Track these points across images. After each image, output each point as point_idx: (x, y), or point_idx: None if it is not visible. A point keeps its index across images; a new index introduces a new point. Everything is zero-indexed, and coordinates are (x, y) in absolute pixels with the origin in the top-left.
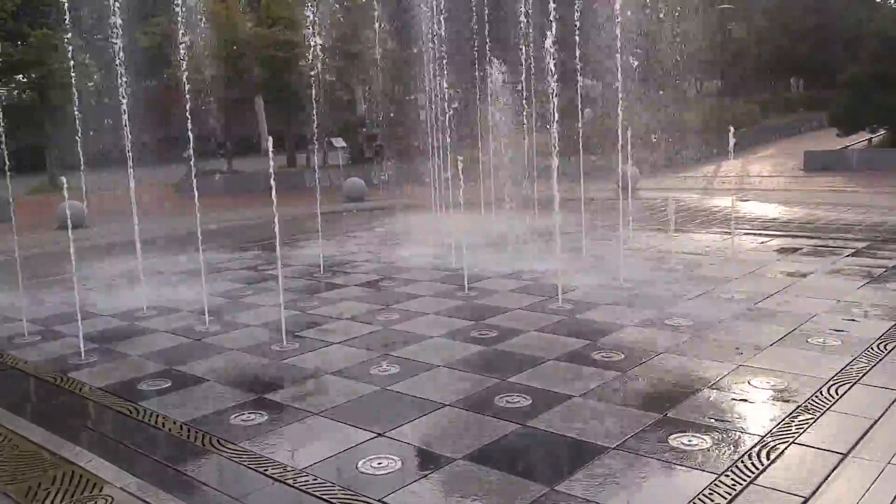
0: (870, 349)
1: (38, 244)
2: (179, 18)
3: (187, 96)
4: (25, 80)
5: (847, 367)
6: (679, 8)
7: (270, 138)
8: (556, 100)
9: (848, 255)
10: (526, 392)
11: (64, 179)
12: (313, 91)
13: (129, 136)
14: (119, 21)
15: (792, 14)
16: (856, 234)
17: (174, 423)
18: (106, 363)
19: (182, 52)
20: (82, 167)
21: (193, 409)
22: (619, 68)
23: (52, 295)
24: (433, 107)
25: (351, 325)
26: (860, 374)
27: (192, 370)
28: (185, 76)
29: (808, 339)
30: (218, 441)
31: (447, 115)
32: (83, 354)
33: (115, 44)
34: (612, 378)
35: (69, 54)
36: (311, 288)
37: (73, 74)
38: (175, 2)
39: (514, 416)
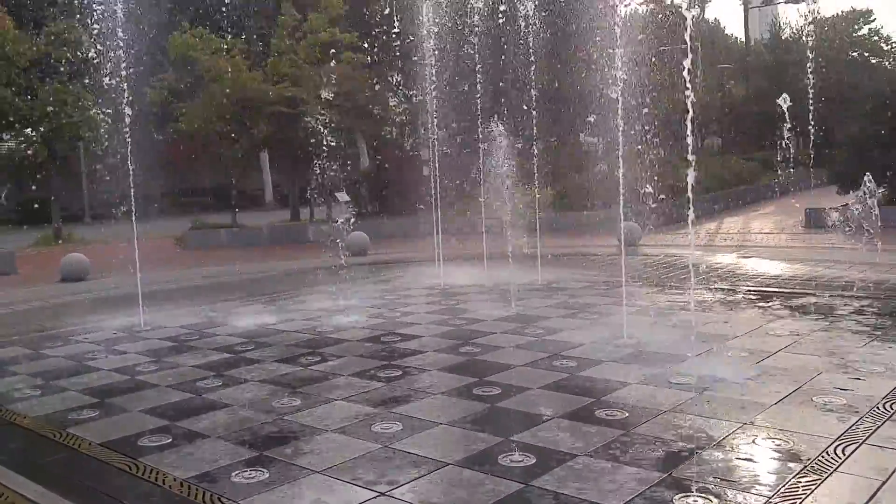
0: (875, 408)
1: (40, 297)
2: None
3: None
4: (34, 133)
5: (853, 427)
6: (680, 66)
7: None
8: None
9: (851, 313)
10: (529, 450)
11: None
12: (318, 146)
13: (134, 189)
14: (127, 75)
15: (790, 74)
16: (858, 291)
17: (174, 479)
18: (105, 418)
19: (188, 106)
20: (87, 220)
21: (194, 466)
22: (621, 125)
23: (53, 348)
24: (436, 162)
25: (352, 381)
26: (867, 434)
27: (193, 426)
28: (190, 131)
29: (813, 398)
30: (218, 498)
31: (449, 170)
32: (83, 409)
33: (123, 98)
34: (616, 437)
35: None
36: (313, 343)
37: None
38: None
39: (517, 476)
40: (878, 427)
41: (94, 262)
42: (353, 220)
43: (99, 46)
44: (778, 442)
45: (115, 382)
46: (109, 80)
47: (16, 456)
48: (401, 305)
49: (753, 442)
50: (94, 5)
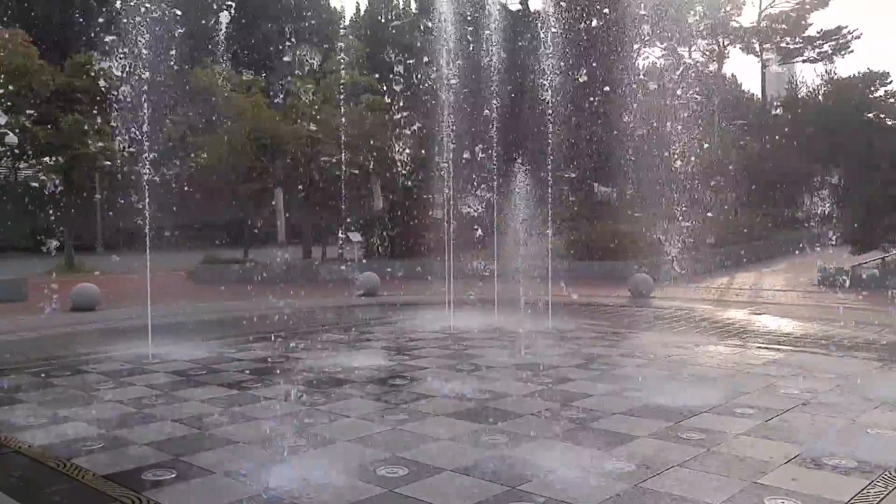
0: (887, 473)
1: (50, 325)
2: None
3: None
4: (52, 162)
5: (864, 491)
6: (696, 122)
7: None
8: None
9: (863, 374)
10: (537, 501)
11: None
12: (332, 186)
13: (149, 222)
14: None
15: (805, 133)
16: (870, 352)
17: None
18: (110, 450)
19: (206, 141)
20: (99, 249)
21: (197, 502)
22: (636, 178)
23: (61, 377)
24: (450, 205)
25: (358, 424)
26: (878, 499)
27: (198, 461)
28: (207, 165)
29: (823, 459)
30: None
31: (463, 214)
32: (87, 440)
33: (142, 131)
34: (625, 490)
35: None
36: (320, 383)
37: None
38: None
39: None
40: (890, 492)
41: (105, 293)
42: (362, 259)
43: (118, 74)
44: (787, 503)
45: (120, 414)
46: (130, 112)
47: (18, 484)
48: (408, 346)
49: (762, 501)
50: (118, 39)
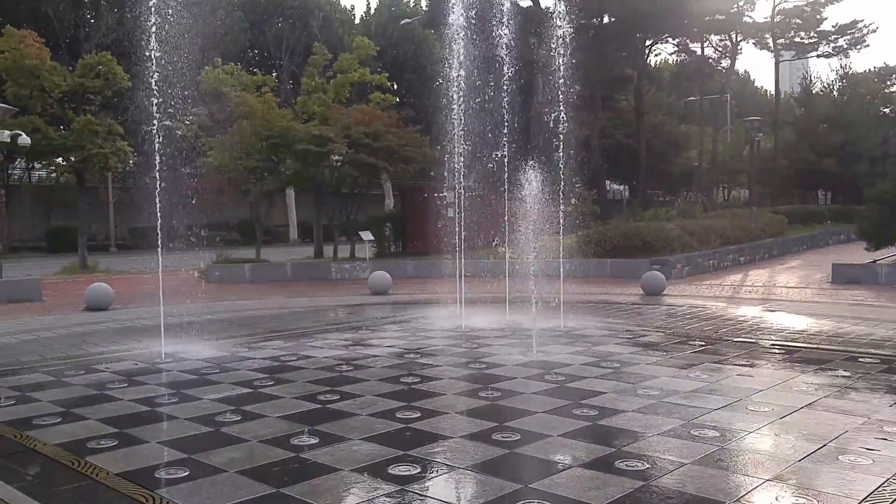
0: None
1: (64, 325)
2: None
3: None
4: (65, 162)
5: (880, 489)
6: (709, 119)
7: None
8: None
9: (878, 372)
10: (548, 499)
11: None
12: (344, 185)
13: (161, 222)
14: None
15: (819, 129)
16: (886, 349)
17: None
18: (124, 448)
19: (217, 141)
20: (112, 249)
21: (209, 500)
22: (645, 175)
23: (75, 377)
24: (460, 202)
25: (371, 422)
26: (894, 497)
27: (210, 460)
28: (218, 166)
29: (838, 457)
30: None
31: (474, 213)
32: (101, 438)
33: (153, 131)
34: (636, 488)
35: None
36: (332, 381)
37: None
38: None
39: None
40: None
41: (118, 292)
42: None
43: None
44: (802, 501)
45: (134, 413)
46: (140, 112)
47: (34, 482)
48: (419, 346)
49: (776, 499)
50: (128, 39)
